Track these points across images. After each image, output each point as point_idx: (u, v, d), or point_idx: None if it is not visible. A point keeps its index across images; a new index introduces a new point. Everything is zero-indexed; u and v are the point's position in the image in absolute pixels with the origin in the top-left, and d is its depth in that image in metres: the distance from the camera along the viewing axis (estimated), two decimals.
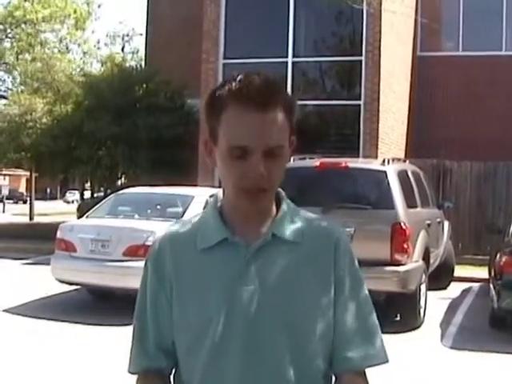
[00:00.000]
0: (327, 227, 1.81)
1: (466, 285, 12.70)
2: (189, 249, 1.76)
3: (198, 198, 10.42)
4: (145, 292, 1.81)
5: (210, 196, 10.51)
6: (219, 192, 1.81)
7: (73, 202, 55.70)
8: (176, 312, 1.75)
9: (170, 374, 1.82)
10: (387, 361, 1.79)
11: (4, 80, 29.37)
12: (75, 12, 26.18)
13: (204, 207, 10.03)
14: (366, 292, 1.81)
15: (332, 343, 1.74)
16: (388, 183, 8.97)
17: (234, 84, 1.66)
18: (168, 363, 1.79)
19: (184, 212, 9.99)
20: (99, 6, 28.48)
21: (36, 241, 17.89)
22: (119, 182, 22.12)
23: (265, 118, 1.64)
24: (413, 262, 8.92)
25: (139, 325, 1.82)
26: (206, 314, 1.70)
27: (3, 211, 41.56)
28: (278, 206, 1.79)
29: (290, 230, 1.75)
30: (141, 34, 32.75)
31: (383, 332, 1.82)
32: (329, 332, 1.73)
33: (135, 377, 1.84)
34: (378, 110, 16.13)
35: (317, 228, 1.79)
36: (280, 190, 1.81)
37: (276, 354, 1.68)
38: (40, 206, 41.49)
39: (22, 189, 69.09)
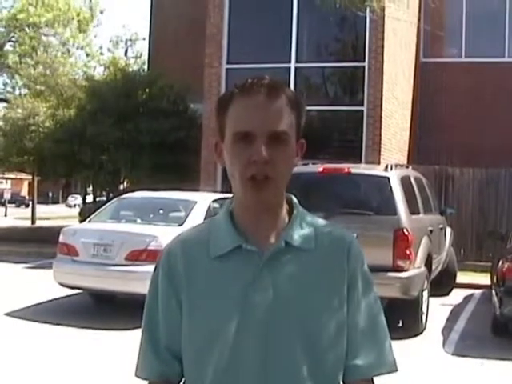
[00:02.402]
0: (339, 233, 1.82)
1: (468, 291, 12.69)
2: (201, 255, 1.75)
3: (201, 203, 10.41)
4: (155, 295, 1.79)
5: (213, 201, 10.52)
6: (232, 197, 1.81)
7: (75, 206, 55.82)
8: (187, 318, 1.73)
9: (180, 381, 1.79)
10: (396, 370, 1.78)
11: (7, 83, 29.42)
12: (78, 15, 26.23)
13: (206, 212, 10.05)
14: (377, 298, 1.81)
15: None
16: (391, 189, 8.97)
17: (241, 82, 1.72)
18: (180, 369, 1.76)
19: (186, 217, 9.98)
20: (102, 12, 28.50)
21: (38, 245, 17.92)
22: (121, 187, 22.13)
23: (268, 105, 1.67)
24: (415, 268, 8.91)
25: (150, 328, 1.80)
26: (220, 320, 1.68)
27: (5, 215, 41.59)
28: (290, 212, 1.79)
29: (302, 237, 1.75)
30: (144, 39, 32.83)
31: None
32: (343, 339, 1.73)
33: (136, 381, 1.81)
34: (381, 116, 16.12)
35: (328, 234, 1.80)
36: (292, 196, 1.82)
37: (292, 361, 1.67)
38: (42, 209, 41.51)
39: (24, 192, 69.20)
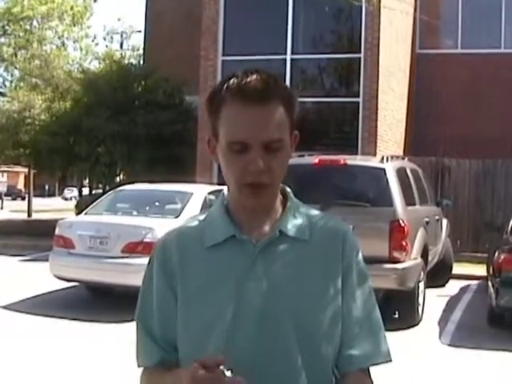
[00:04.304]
0: (334, 224, 1.81)
1: (464, 282, 12.71)
2: (196, 245, 1.75)
3: (197, 195, 10.41)
4: (150, 287, 1.79)
5: (209, 193, 10.52)
6: (225, 189, 1.80)
7: (71, 198, 55.71)
8: (183, 308, 1.73)
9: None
10: (390, 360, 1.78)
11: (3, 76, 29.30)
12: (72, 8, 26.09)
13: (203, 204, 10.05)
14: (371, 288, 1.81)
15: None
16: (387, 180, 8.97)
17: (232, 81, 1.66)
18: (176, 356, 1.76)
19: (182, 209, 9.98)
20: (95, 1, 28.30)
21: (34, 237, 17.89)
22: (118, 179, 22.12)
23: (263, 113, 1.63)
24: (411, 260, 8.92)
25: (145, 319, 1.80)
26: (214, 310, 1.69)
27: (1, 208, 41.54)
28: (285, 203, 1.79)
29: (296, 227, 1.75)
30: (139, 31, 32.72)
31: None
32: (337, 328, 1.73)
33: (134, 373, 1.81)
34: (377, 108, 16.12)
35: (324, 225, 1.79)
36: (286, 187, 1.81)
37: (286, 349, 1.67)
38: (38, 202, 41.41)
39: (21, 185, 69.01)
